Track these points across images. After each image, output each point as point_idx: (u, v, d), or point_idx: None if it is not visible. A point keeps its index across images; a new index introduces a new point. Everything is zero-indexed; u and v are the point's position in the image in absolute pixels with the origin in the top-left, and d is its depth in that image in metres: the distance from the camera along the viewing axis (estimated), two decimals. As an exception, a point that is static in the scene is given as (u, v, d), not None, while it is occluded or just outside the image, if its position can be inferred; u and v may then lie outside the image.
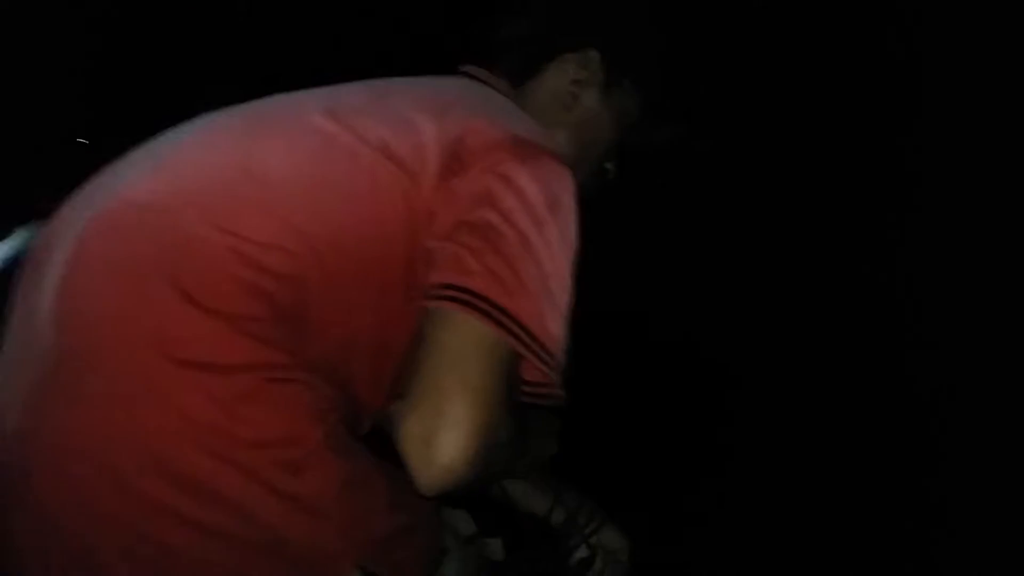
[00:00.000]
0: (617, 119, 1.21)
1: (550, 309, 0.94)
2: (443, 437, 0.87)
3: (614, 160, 1.24)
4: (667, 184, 2.17)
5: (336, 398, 0.92)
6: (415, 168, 0.93)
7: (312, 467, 0.87)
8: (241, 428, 0.85)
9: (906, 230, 2.55)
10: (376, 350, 0.97)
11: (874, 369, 2.55)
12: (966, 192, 2.42)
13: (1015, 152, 2.35)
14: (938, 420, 2.37)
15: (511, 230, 0.92)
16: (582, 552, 1.26)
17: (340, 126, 0.95)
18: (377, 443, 0.97)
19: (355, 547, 0.89)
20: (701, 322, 2.80)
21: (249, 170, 0.93)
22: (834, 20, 2.65)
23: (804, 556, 2.27)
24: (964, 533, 2.16)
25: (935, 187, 2.51)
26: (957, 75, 2.44)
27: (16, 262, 1.61)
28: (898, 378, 2.51)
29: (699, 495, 2.49)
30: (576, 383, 1.02)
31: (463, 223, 0.92)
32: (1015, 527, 2.04)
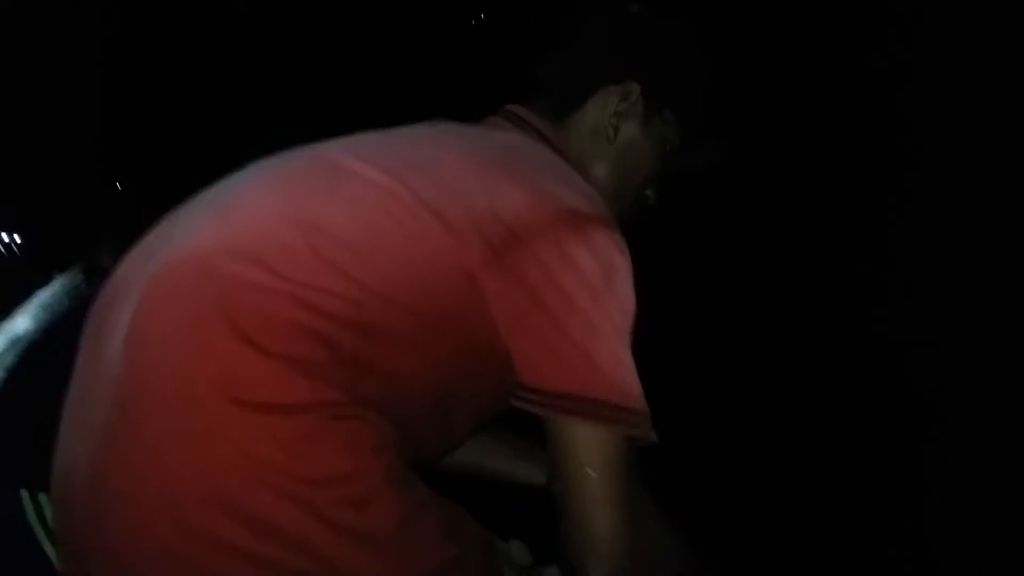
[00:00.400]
0: (658, 148, 1.21)
1: (623, 371, 0.99)
2: (585, 552, 0.99)
3: (654, 187, 1.26)
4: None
5: (393, 434, 0.94)
6: (470, 239, 0.95)
7: (373, 502, 0.89)
8: (304, 466, 0.87)
9: (903, 231, 2.57)
10: (432, 393, 1.01)
11: (871, 368, 2.58)
12: (962, 193, 2.44)
13: (1009, 154, 2.37)
14: (936, 420, 2.40)
15: (573, 311, 0.97)
16: None
17: (398, 183, 0.97)
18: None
19: None
20: (695, 324, 2.83)
21: (307, 221, 0.95)
22: (829, 24, 2.68)
23: (799, 555, 2.30)
24: (961, 530, 2.19)
25: (931, 189, 2.53)
26: (953, 79, 2.46)
27: (66, 309, 1.68)
28: (895, 377, 2.53)
29: (696, 493, 2.54)
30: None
31: (528, 305, 0.97)
32: (1010, 521, 2.07)
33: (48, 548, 1.46)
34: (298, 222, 0.95)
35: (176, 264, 0.95)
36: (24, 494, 1.46)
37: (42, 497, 1.45)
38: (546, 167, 1.05)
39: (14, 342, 1.81)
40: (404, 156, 1.01)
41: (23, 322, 1.90)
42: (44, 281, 2.08)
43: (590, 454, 0.98)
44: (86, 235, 2.09)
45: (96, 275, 2.33)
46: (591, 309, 0.97)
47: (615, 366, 0.98)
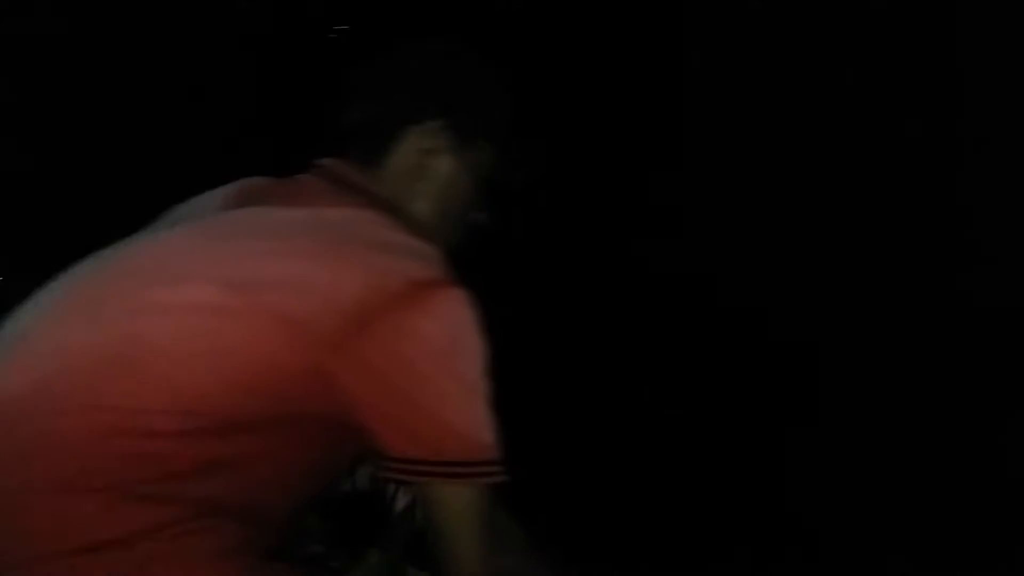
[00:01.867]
0: (475, 175, 1.23)
1: (477, 427, 1.01)
2: None
3: (481, 209, 1.27)
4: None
5: (245, 533, 0.97)
6: (312, 331, 0.95)
7: None
8: None
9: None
10: (284, 476, 1.03)
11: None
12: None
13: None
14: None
15: (422, 385, 0.98)
16: (405, 500, 1.28)
17: (230, 293, 0.96)
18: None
19: None
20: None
21: (121, 350, 0.94)
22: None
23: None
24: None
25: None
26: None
27: None
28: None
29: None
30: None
31: (377, 388, 0.98)
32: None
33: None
34: (112, 349, 0.94)
35: None
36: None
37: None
38: (376, 240, 1.05)
39: None
40: (232, 264, 1.00)
41: None
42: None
43: (454, 508, 1.01)
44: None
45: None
46: (440, 376, 0.99)
47: (470, 425, 1.01)
